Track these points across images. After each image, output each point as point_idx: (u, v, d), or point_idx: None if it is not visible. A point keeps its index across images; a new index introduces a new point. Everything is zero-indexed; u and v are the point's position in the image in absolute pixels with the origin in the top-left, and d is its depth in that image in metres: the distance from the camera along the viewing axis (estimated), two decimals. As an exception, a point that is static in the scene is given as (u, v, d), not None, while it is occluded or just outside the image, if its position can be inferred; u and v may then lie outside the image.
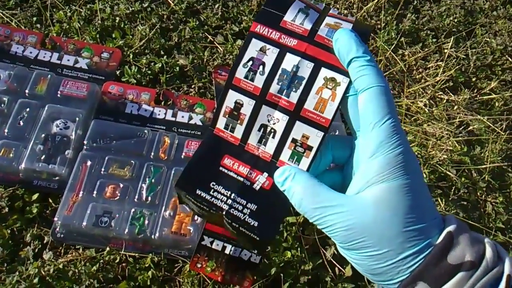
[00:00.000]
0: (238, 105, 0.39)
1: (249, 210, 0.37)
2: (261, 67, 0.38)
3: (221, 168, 0.39)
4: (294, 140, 0.38)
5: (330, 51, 0.37)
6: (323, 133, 0.37)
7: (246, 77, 0.38)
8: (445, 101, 1.08)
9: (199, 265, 0.71)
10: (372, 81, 0.34)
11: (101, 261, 0.72)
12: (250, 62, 0.38)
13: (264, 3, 0.39)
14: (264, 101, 0.38)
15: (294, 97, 0.37)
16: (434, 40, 1.19)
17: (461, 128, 1.04)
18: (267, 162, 0.38)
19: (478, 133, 1.04)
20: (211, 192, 0.38)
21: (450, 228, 0.32)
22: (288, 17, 0.38)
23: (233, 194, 0.37)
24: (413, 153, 0.34)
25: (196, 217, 0.76)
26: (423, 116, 1.03)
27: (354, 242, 0.32)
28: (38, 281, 0.67)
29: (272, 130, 0.38)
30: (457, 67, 1.13)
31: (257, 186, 0.38)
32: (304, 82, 0.37)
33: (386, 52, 1.11)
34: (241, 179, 0.38)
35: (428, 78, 1.10)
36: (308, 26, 0.38)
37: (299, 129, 0.37)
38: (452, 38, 1.16)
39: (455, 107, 1.07)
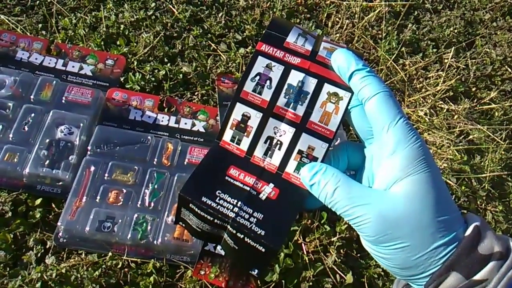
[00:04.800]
0: (245, 118, 0.40)
1: (255, 219, 0.37)
2: (268, 81, 0.40)
3: (227, 177, 0.39)
4: (300, 152, 0.39)
5: (331, 69, 0.39)
6: (327, 144, 0.39)
7: (254, 90, 0.40)
8: (445, 110, 1.09)
9: (202, 272, 0.71)
10: (377, 88, 0.36)
11: (103, 266, 0.72)
12: (258, 77, 0.40)
13: (267, 27, 0.42)
14: (271, 114, 0.40)
15: (301, 110, 0.39)
16: (435, 50, 1.20)
17: (461, 137, 1.04)
18: (272, 174, 0.39)
19: (478, 142, 1.05)
20: (217, 200, 0.38)
21: (476, 222, 0.33)
22: (290, 39, 0.41)
23: (239, 203, 0.37)
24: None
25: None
26: (424, 125, 1.04)
27: (385, 234, 0.33)
28: (40, 285, 0.68)
29: (279, 142, 0.39)
30: (457, 77, 1.14)
31: (263, 196, 0.38)
32: (309, 97, 0.39)
33: (387, 62, 1.13)
34: (247, 188, 0.38)
35: (429, 88, 1.11)
36: (309, 47, 0.41)
37: (306, 141, 0.39)
38: (452, 49, 1.17)
39: (455, 117, 1.08)
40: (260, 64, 0.41)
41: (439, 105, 1.10)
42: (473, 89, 1.16)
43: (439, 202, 0.33)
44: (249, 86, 0.40)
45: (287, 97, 0.40)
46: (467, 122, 1.07)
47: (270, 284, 0.74)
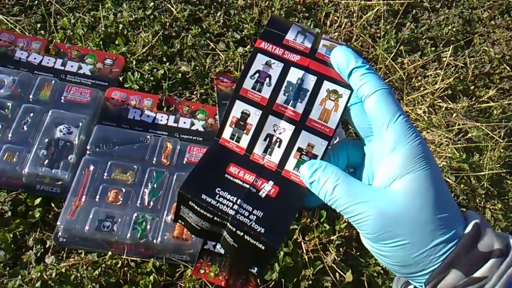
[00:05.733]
0: (244, 115, 0.40)
1: (255, 217, 0.37)
2: (267, 79, 0.40)
3: (226, 175, 0.39)
4: (299, 149, 0.39)
5: (331, 67, 0.39)
6: (327, 142, 0.38)
7: (253, 88, 0.40)
8: (444, 108, 1.09)
9: (202, 271, 0.71)
10: (376, 86, 0.36)
11: (103, 265, 0.72)
12: (257, 74, 0.40)
13: (266, 24, 0.42)
14: (270, 111, 0.40)
15: (300, 107, 0.39)
16: (433, 48, 1.20)
17: (460, 136, 1.05)
18: (272, 171, 0.39)
19: (476, 141, 1.05)
20: (216, 198, 0.38)
21: (476, 220, 0.33)
22: (290, 36, 0.41)
23: (239, 200, 0.37)
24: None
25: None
26: (422, 124, 1.04)
27: (385, 232, 0.33)
28: (40, 285, 0.68)
29: (278, 140, 0.39)
30: (456, 75, 1.14)
31: (263, 194, 0.38)
32: (308, 94, 0.39)
33: (385, 60, 1.13)
34: (247, 186, 0.38)
35: (427, 86, 1.11)
36: (308, 45, 0.41)
37: (305, 138, 0.39)
38: (450, 47, 1.17)
39: (454, 115, 1.08)
40: (260, 61, 0.40)
41: (438, 104, 1.10)
42: (472, 88, 1.16)
43: (438, 200, 0.33)
44: (248, 83, 0.40)
45: (286, 94, 0.39)
46: (465, 120, 1.07)
47: (269, 283, 0.74)
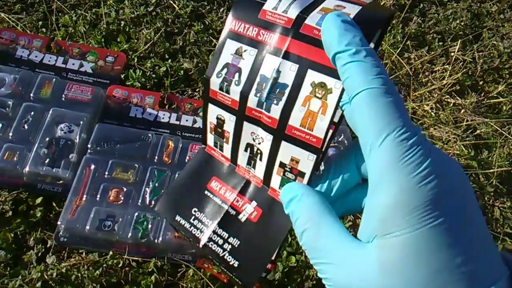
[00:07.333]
0: (220, 121, 0.33)
1: (230, 246, 0.32)
2: (236, 75, 0.30)
3: (206, 192, 0.34)
4: (282, 165, 0.30)
5: (320, 46, 0.27)
6: (315, 156, 0.28)
7: (221, 88, 0.31)
8: (452, 104, 1.07)
9: (206, 265, 0.71)
10: (360, 84, 0.24)
11: (104, 265, 0.71)
12: (225, 70, 0.31)
13: None
14: (244, 117, 0.31)
15: (276, 111, 0.29)
16: (441, 43, 1.18)
17: (468, 132, 1.02)
18: (258, 188, 0.33)
19: (485, 137, 1.03)
20: (191, 220, 0.33)
21: None
22: (269, 4, 0.29)
23: (214, 225, 0.32)
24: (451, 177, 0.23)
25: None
26: (430, 120, 1.02)
27: None
28: (41, 285, 0.67)
29: (259, 151, 0.31)
30: (464, 70, 1.12)
31: (243, 217, 0.32)
32: (287, 91, 0.28)
33: (392, 56, 1.11)
34: (226, 206, 0.33)
35: (435, 82, 1.09)
36: (293, 13, 0.28)
37: (286, 151, 0.30)
38: (458, 42, 1.15)
39: (462, 111, 1.06)
40: (228, 50, 0.30)
41: (446, 99, 1.08)
42: (480, 83, 1.14)
43: (437, 277, 0.21)
44: (215, 83, 0.31)
45: (258, 94, 0.29)
46: (474, 116, 1.05)
47: (273, 283, 0.73)
